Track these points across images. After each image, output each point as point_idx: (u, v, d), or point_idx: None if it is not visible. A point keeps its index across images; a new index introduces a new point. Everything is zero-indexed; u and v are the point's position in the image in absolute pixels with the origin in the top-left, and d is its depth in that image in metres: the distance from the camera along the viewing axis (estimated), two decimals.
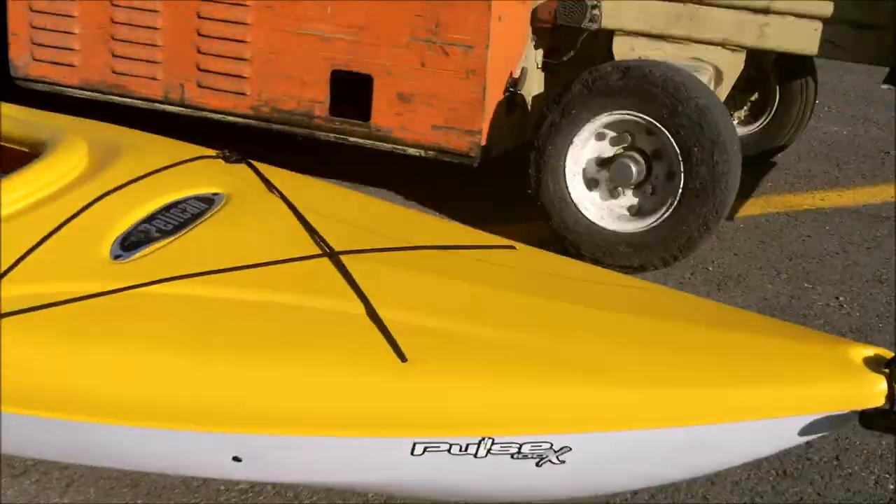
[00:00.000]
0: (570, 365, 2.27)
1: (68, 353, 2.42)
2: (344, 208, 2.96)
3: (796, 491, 2.90)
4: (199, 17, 4.91)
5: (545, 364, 2.28)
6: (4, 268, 2.57)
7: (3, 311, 2.49)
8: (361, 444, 2.33)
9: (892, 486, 2.94)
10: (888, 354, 2.17)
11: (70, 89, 5.26)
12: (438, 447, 2.30)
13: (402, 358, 2.30)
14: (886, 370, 2.13)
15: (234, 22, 4.84)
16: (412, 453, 2.32)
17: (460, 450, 2.30)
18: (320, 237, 2.70)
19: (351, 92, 4.82)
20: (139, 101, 5.17)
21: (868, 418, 2.15)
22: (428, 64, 4.63)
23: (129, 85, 5.17)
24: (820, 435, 2.24)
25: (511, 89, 4.71)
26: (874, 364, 2.16)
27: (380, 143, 4.78)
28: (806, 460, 3.05)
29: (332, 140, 4.88)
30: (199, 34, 4.95)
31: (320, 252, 2.65)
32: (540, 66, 5.01)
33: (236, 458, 2.44)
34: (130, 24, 5.03)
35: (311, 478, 2.48)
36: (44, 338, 2.45)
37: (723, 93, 4.67)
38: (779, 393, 2.19)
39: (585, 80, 4.29)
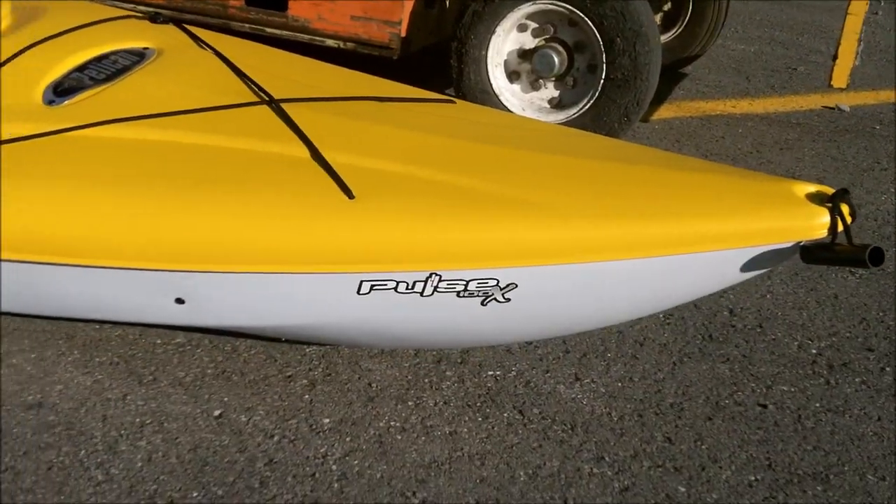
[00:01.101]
0: (514, 203, 2.28)
1: (5, 193, 2.35)
2: (278, 64, 2.94)
3: (722, 353, 2.96)
4: None
5: (490, 203, 2.28)
6: None
7: None
8: (308, 281, 2.32)
9: (814, 351, 3.02)
10: (830, 191, 2.22)
11: None
12: (385, 285, 2.30)
13: (350, 195, 2.29)
14: (829, 204, 2.18)
15: None
16: (359, 292, 2.31)
17: (407, 287, 2.30)
18: (258, 86, 2.66)
19: None
20: None
21: (809, 251, 2.20)
22: None
23: None
24: (762, 271, 2.29)
25: None
26: (817, 199, 2.21)
27: (297, 35, 4.70)
28: (730, 327, 3.12)
29: (247, 31, 4.79)
30: None
31: (259, 100, 2.61)
32: None
33: (179, 300, 2.42)
34: None
35: (255, 320, 2.46)
36: None
37: None
38: (722, 226, 2.21)
39: None
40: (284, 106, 2.57)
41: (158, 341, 2.76)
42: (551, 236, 2.23)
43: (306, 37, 4.68)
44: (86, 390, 2.54)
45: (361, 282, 2.32)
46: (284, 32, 4.70)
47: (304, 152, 2.44)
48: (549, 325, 2.45)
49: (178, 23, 3.14)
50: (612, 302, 2.35)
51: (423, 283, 2.30)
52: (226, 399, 2.56)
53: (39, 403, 2.48)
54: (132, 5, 4.64)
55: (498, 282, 2.28)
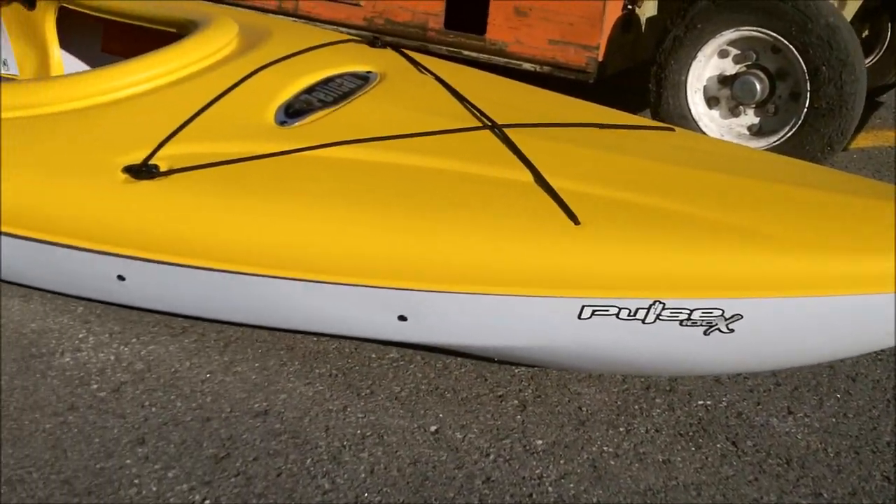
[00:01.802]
0: (739, 232, 2.28)
1: (238, 209, 2.47)
2: (497, 89, 2.99)
3: None
4: None
5: (715, 231, 2.28)
6: (173, 129, 2.61)
7: (174, 168, 2.53)
8: (530, 304, 2.36)
9: None
10: None
11: None
12: (607, 310, 2.32)
13: (575, 221, 2.32)
14: None
15: None
16: (580, 316, 2.34)
17: (629, 314, 2.31)
18: (480, 111, 2.72)
19: (466, 5, 4.82)
20: (244, 9, 5.19)
21: None
22: None
23: None
24: None
25: (629, 6, 4.69)
26: None
27: (494, 58, 4.78)
28: None
29: (444, 53, 4.88)
30: None
31: (482, 125, 2.67)
32: None
33: (402, 318, 2.48)
34: None
35: (475, 340, 2.51)
36: (214, 193, 2.49)
37: (847, 16, 4.63)
38: None
39: None
40: (507, 131, 2.63)
41: (373, 356, 2.84)
42: (780, 268, 2.23)
43: (503, 60, 4.75)
44: (308, 400, 2.63)
45: (583, 307, 2.35)
46: (481, 55, 4.78)
47: (528, 177, 2.48)
48: (771, 358, 2.43)
49: (396, 47, 3.23)
50: (839, 338, 2.33)
51: (645, 311, 2.32)
52: (441, 415, 2.62)
53: (265, 411, 2.58)
54: (347, 29, 4.77)
55: (723, 312, 2.28)
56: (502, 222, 2.38)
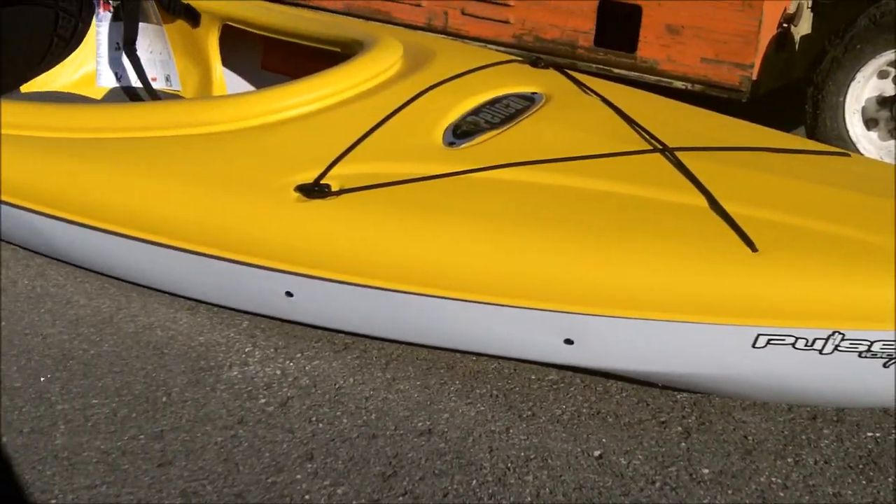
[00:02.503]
0: None
1: (407, 229, 2.49)
2: (663, 110, 2.96)
3: None
4: None
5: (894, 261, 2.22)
6: (343, 149, 2.65)
7: (345, 188, 2.57)
8: (702, 331, 2.33)
9: None
10: None
11: (334, 14, 5.36)
12: (783, 340, 2.28)
13: (752, 247, 2.29)
14: None
15: None
16: (754, 345, 2.31)
17: (806, 344, 2.27)
18: (650, 134, 2.70)
19: (616, 22, 4.79)
20: (401, 27, 5.24)
21: None
22: None
23: (392, 11, 5.25)
24: None
25: (784, 25, 4.61)
26: None
27: (645, 75, 4.74)
28: None
29: (593, 71, 4.86)
30: None
31: (652, 147, 2.65)
32: (810, 5, 4.89)
33: (568, 341, 2.48)
34: None
35: (643, 365, 2.49)
36: (384, 213, 2.52)
37: None
38: None
39: (873, 15, 4.17)
40: (678, 154, 2.60)
41: (533, 377, 2.84)
42: None
43: (653, 78, 4.71)
44: (470, 420, 2.64)
45: (758, 335, 2.32)
46: (632, 73, 4.74)
47: (702, 202, 2.46)
48: None
49: (559, 67, 3.23)
50: None
51: (823, 341, 2.28)
52: (604, 440, 2.60)
53: (429, 430, 2.59)
54: (496, 47, 4.79)
55: None
56: (675, 247, 2.36)
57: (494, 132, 2.79)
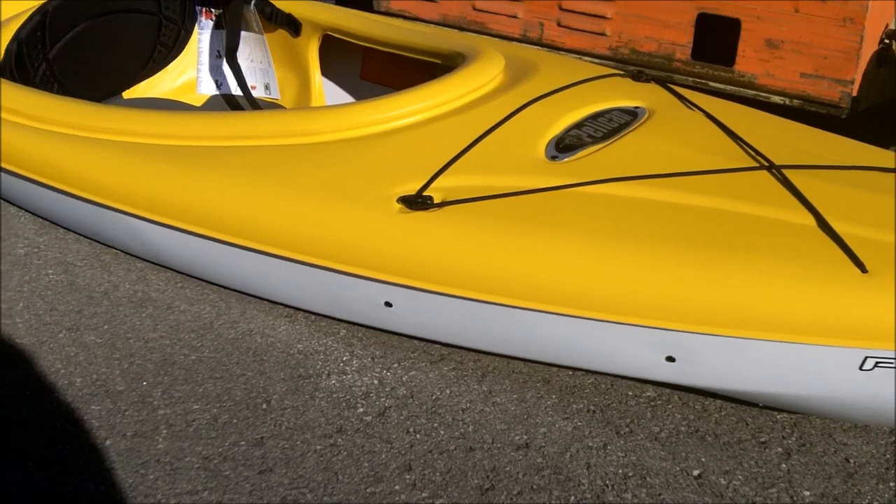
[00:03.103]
0: None
1: (509, 242, 2.49)
2: (768, 127, 2.93)
3: None
4: None
5: None
6: (446, 161, 2.66)
7: (447, 200, 2.57)
8: (807, 352, 2.30)
9: None
10: None
11: (429, 24, 5.39)
12: (891, 363, 2.24)
13: (862, 269, 2.25)
14: None
15: None
16: (861, 367, 2.27)
17: None
18: (756, 150, 2.67)
19: (713, 36, 4.75)
20: (495, 38, 5.24)
21: None
22: (802, 10, 4.50)
23: (487, 22, 5.26)
24: None
25: (886, 41, 4.53)
26: None
27: (742, 90, 4.69)
28: None
29: (689, 84, 4.82)
30: None
31: (758, 165, 2.62)
32: None
33: (670, 358, 2.46)
34: None
35: (745, 384, 2.47)
36: (486, 226, 2.52)
37: None
38: None
39: None
40: (785, 172, 2.57)
41: (630, 393, 2.82)
42: None
43: (751, 92, 4.66)
44: (567, 436, 2.63)
45: (866, 357, 2.28)
46: (729, 87, 4.70)
47: (810, 221, 2.42)
48: None
49: (661, 82, 3.21)
50: None
51: None
52: (703, 459, 2.58)
53: (526, 444, 2.59)
54: (591, 58, 4.77)
55: None
56: (781, 266, 2.33)
57: (597, 146, 2.78)
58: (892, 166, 2.68)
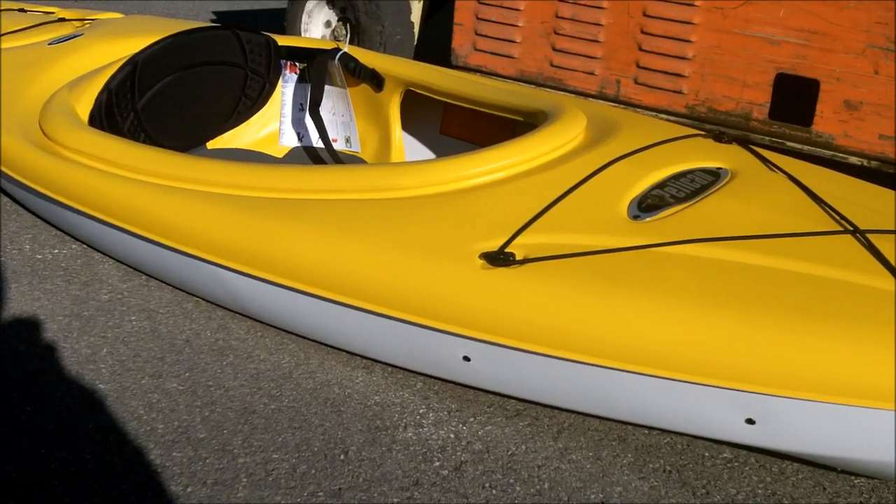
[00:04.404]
0: None
1: (590, 301, 2.50)
2: (849, 189, 2.93)
3: None
4: (645, 14, 4.97)
5: None
6: (528, 218, 2.68)
7: (529, 257, 2.60)
8: (886, 418, 2.30)
9: None
10: None
11: (506, 80, 5.45)
12: None
13: None
14: None
15: (680, 21, 4.87)
16: None
17: None
18: (840, 214, 2.67)
19: (791, 95, 4.75)
20: (571, 95, 5.29)
21: None
22: (882, 71, 4.50)
23: (565, 78, 5.30)
24: None
25: None
26: None
27: (819, 150, 4.68)
28: None
29: (766, 143, 4.82)
30: (643, 32, 5.01)
31: (843, 229, 2.61)
32: None
33: (749, 421, 2.45)
34: (574, 20, 5.16)
35: (825, 449, 2.45)
36: (568, 284, 2.54)
37: None
38: None
39: None
40: (870, 237, 2.56)
41: (707, 454, 2.81)
42: None
43: (829, 153, 4.65)
44: (643, 496, 2.62)
45: None
46: (806, 147, 4.69)
47: (893, 286, 2.41)
48: None
49: (743, 143, 3.22)
50: None
51: None
52: None
53: (602, 503, 2.58)
54: (668, 116, 4.79)
55: None
56: (865, 332, 2.33)
57: (680, 206, 2.79)
58: None
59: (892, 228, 2.64)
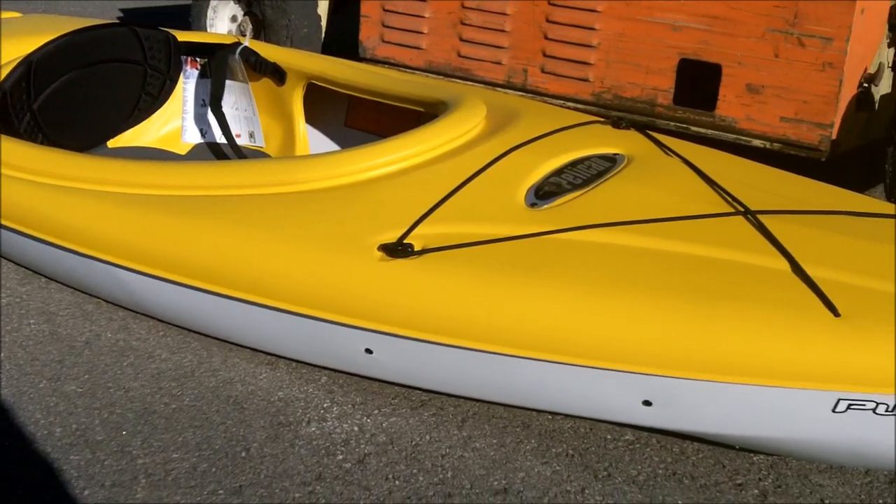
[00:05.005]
0: None
1: (489, 290, 2.51)
2: (745, 172, 2.96)
3: None
4: (550, 3, 4.99)
5: None
6: (426, 209, 2.68)
7: (427, 247, 2.60)
8: (782, 395, 2.32)
9: None
10: None
11: (414, 71, 5.44)
12: (864, 405, 2.27)
13: (835, 312, 2.28)
14: None
15: (584, 9, 4.89)
16: (834, 409, 2.29)
17: (887, 409, 2.26)
18: (732, 196, 2.70)
19: (695, 81, 4.80)
20: (479, 84, 5.30)
21: None
22: (782, 55, 4.56)
23: (473, 68, 5.30)
24: None
25: (865, 84, 4.58)
26: None
27: (723, 134, 4.73)
28: None
29: (671, 129, 4.86)
30: (548, 20, 5.03)
31: (734, 210, 2.64)
32: (891, 64, 4.86)
33: (646, 402, 2.47)
34: (480, 10, 5.16)
35: (721, 427, 2.48)
36: (466, 273, 2.54)
37: None
38: None
39: None
40: (760, 217, 2.60)
41: (609, 437, 2.83)
42: None
43: (732, 136, 4.70)
44: (546, 480, 2.64)
45: (839, 400, 2.30)
46: (710, 131, 4.74)
47: (785, 266, 2.45)
48: None
49: (640, 128, 3.24)
50: None
51: None
52: (680, 502, 2.59)
53: (505, 489, 2.60)
54: (575, 104, 4.81)
55: None
56: (756, 311, 2.36)
57: (577, 193, 2.81)
58: (866, 210, 2.70)
59: (782, 209, 2.67)
